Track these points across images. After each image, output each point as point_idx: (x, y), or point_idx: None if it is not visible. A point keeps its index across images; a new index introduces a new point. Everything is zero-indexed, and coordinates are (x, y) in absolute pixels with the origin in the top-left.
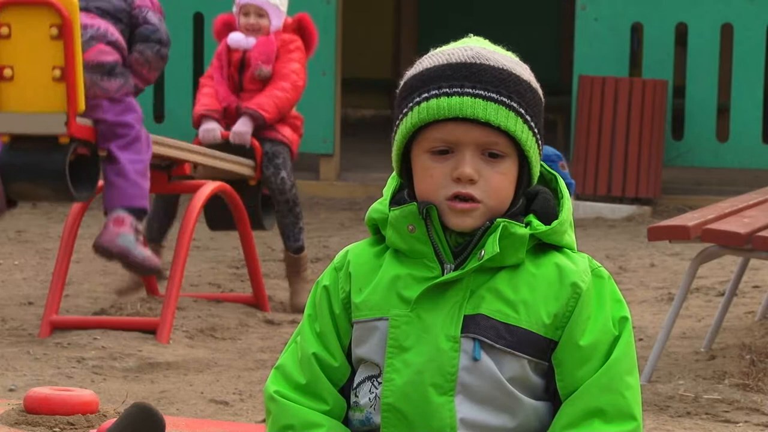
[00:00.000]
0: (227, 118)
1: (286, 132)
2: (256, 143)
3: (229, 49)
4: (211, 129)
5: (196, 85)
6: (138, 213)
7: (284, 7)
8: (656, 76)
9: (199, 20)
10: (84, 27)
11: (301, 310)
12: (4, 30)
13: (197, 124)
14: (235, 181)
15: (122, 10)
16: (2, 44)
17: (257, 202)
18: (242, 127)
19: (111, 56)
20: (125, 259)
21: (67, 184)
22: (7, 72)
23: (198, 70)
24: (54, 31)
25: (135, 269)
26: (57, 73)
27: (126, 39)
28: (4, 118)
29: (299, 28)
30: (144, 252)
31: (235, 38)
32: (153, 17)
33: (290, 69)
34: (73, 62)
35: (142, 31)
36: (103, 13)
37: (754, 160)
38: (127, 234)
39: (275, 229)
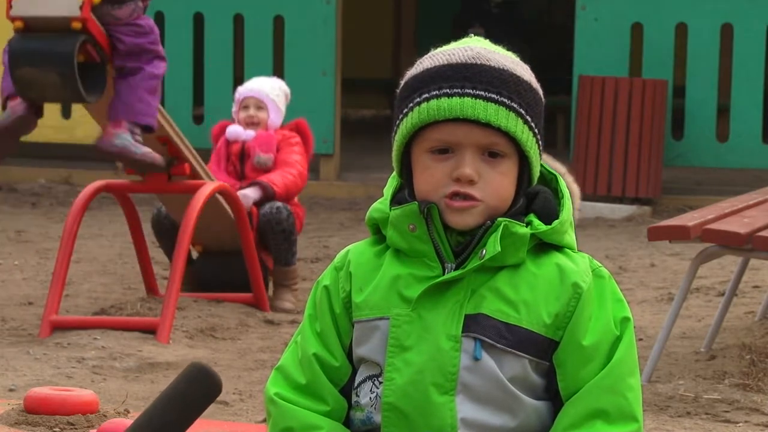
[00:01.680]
0: None
1: (291, 204)
2: (255, 210)
3: (228, 143)
4: None
5: (196, 85)
6: (140, 127)
7: (283, 107)
8: (656, 76)
9: (199, 20)
10: None
11: (282, 311)
12: None
13: None
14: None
15: None
16: None
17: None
18: (249, 192)
19: None
20: (125, 156)
21: (74, 71)
22: None
23: (198, 70)
24: None
25: (138, 165)
26: None
27: None
28: (21, 2)
29: (297, 131)
30: (142, 148)
31: (233, 130)
32: None
33: (293, 159)
34: None
35: None
36: None
37: (754, 160)
38: (123, 133)
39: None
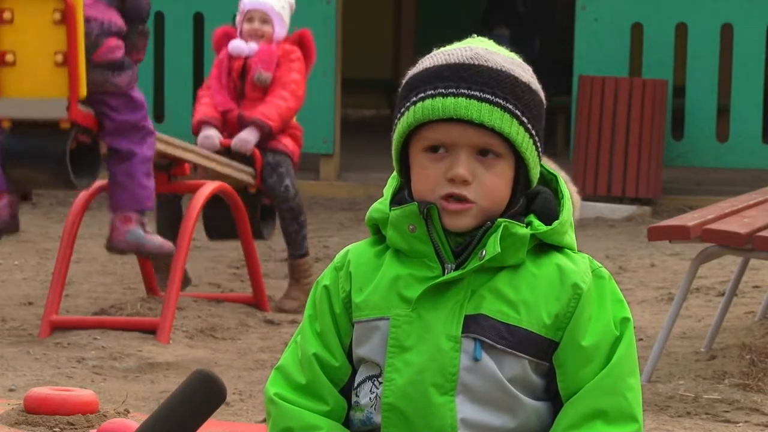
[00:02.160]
0: (227, 124)
1: (287, 142)
2: (257, 152)
3: (231, 58)
4: (210, 136)
5: (196, 85)
6: (144, 212)
7: (287, 18)
8: (656, 76)
9: (199, 20)
10: (89, 20)
11: (282, 311)
12: (7, 15)
13: (196, 131)
14: (235, 189)
15: None
16: (5, 29)
17: (256, 211)
18: (247, 136)
19: (120, 51)
20: (139, 251)
21: (67, 169)
22: (9, 57)
23: (198, 70)
24: (57, 15)
25: (151, 257)
26: (59, 58)
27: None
28: (5, 103)
29: (300, 44)
30: (154, 240)
31: (236, 45)
32: None
33: (290, 78)
34: (75, 47)
35: (127, 10)
36: None
37: (754, 160)
38: (135, 229)
39: (276, 230)
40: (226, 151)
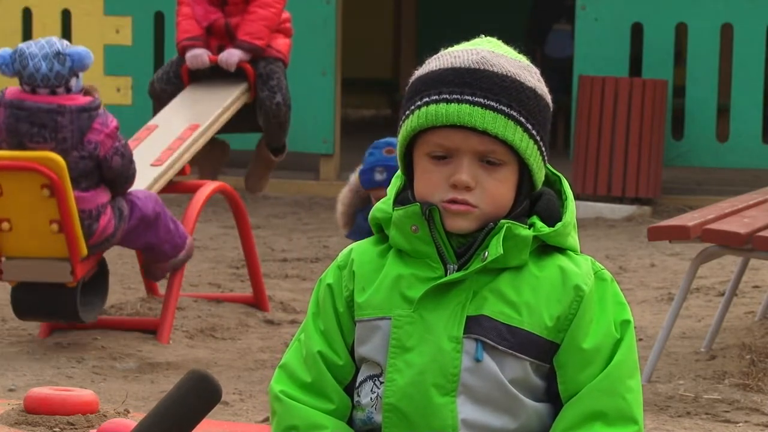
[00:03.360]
0: (214, 34)
1: (278, 43)
2: (249, 66)
3: None
4: (199, 54)
5: None
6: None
7: None
8: (656, 76)
9: None
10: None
11: (250, 190)
12: None
13: (182, 53)
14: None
15: (92, 168)
16: None
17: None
18: (233, 51)
19: (111, 223)
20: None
21: (77, 316)
22: (5, 225)
23: None
24: (46, 192)
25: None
26: (55, 227)
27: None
28: (9, 264)
29: None
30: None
31: None
32: (116, 161)
33: None
34: (69, 214)
35: (107, 177)
36: (78, 180)
37: (754, 160)
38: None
39: (275, 229)
40: (216, 67)
